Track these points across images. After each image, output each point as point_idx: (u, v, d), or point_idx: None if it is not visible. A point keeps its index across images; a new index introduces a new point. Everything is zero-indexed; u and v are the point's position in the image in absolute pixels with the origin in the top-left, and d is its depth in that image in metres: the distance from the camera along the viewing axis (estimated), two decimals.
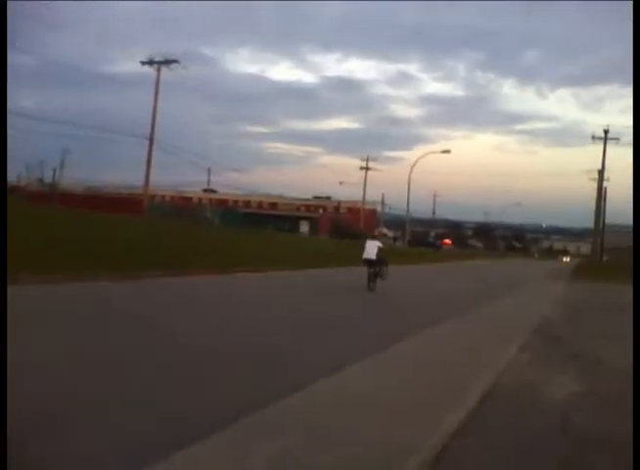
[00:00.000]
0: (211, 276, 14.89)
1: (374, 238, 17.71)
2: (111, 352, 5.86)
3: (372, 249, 15.98)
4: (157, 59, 40.97)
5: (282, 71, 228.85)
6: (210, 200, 72.95)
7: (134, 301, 10.10)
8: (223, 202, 78.44)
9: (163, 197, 75.58)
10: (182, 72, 41.99)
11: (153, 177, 42.55)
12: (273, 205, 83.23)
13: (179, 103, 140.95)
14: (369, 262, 15.94)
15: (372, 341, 7.69)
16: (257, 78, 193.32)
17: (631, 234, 71.12)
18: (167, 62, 41.04)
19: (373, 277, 15.84)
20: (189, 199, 79.67)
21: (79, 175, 67.53)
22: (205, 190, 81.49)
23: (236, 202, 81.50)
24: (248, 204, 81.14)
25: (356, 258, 28.04)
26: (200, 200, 79.42)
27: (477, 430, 4.33)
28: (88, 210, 32.60)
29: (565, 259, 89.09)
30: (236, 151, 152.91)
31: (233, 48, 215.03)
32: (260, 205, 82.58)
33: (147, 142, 40.09)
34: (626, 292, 22.30)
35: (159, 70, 40.68)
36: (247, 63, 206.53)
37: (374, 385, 5.30)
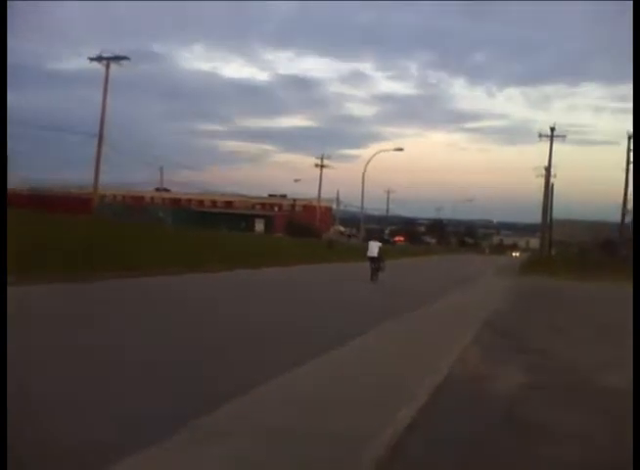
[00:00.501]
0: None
1: (375, 239, 20.64)
2: None
3: (374, 248, 19.05)
4: (106, 55, 40.02)
5: (235, 69, 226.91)
6: (163, 199, 71.75)
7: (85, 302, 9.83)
8: (176, 201, 77.27)
9: (114, 196, 73.86)
10: (133, 69, 41.24)
11: (103, 176, 41.48)
12: (228, 203, 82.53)
13: (130, 100, 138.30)
14: (372, 259, 18.86)
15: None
16: (210, 76, 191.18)
17: (577, 228, 72.85)
18: (117, 58, 40.09)
19: (375, 271, 18.63)
20: (140, 198, 78.17)
21: (25, 175, 65.11)
22: (158, 189, 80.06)
23: (189, 201, 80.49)
24: (201, 203, 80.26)
25: (319, 255, 28.39)
26: (152, 199, 78.03)
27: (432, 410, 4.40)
28: (33, 210, 31.47)
29: (514, 254, 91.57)
30: (189, 149, 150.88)
31: (185, 45, 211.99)
32: (215, 203, 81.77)
33: (96, 140, 39.13)
34: (572, 286, 23.12)
35: (107, 67, 39.72)
36: (199, 60, 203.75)
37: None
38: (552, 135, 51.03)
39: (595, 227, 68.21)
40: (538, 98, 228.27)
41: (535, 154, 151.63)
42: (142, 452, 3.34)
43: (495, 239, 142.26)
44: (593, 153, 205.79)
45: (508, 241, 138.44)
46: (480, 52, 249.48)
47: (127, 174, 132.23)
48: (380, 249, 19.24)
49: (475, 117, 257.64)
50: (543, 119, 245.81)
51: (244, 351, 6.79)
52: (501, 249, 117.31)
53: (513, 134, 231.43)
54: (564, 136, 51.95)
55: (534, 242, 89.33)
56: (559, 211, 61.80)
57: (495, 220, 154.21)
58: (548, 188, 52.86)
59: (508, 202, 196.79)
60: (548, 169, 52.23)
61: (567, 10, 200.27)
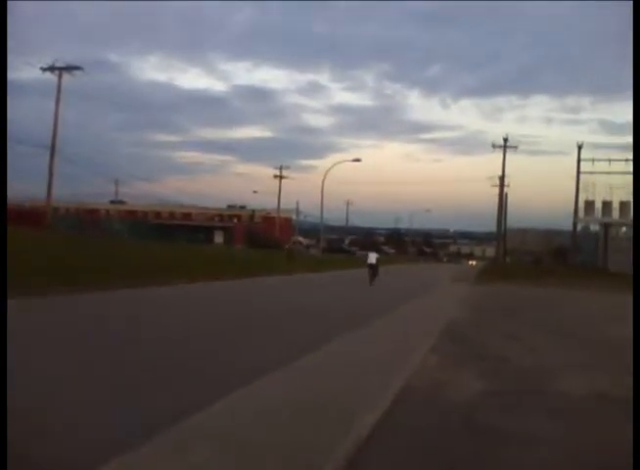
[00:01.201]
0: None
1: (373, 251, 26.22)
2: None
3: (372, 257, 24.00)
4: (58, 65, 39.32)
5: (192, 80, 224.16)
6: (119, 211, 70.46)
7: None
8: (132, 213, 76.01)
9: (68, 209, 72.06)
10: (87, 80, 40.60)
11: (56, 189, 40.68)
12: (186, 215, 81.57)
13: (84, 111, 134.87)
14: (370, 266, 23.56)
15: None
16: (166, 86, 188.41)
17: (531, 236, 74.56)
18: (70, 68, 39.47)
19: (372, 276, 23.08)
20: (96, 211, 76.53)
21: None
22: (113, 201, 78.65)
23: (146, 213, 79.23)
24: (159, 215, 79.10)
25: (281, 266, 28.72)
26: (107, 212, 76.52)
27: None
28: None
29: (470, 263, 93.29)
30: (146, 160, 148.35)
31: (140, 55, 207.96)
32: (172, 215, 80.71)
33: (48, 152, 38.28)
34: (525, 293, 23.69)
35: (60, 77, 39.05)
36: (155, 70, 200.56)
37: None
38: (505, 146, 52.43)
39: (548, 235, 70.21)
40: (491, 109, 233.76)
41: (489, 164, 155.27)
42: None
43: (452, 248, 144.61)
44: (545, 163, 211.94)
45: (465, 250, 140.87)
46: (434, 64, 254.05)
47: (81, 187, 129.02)
48: (377, 259, 24.02)
49: (430, 127, 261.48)
50: (496, 130, 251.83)
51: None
52: (459, 257, 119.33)
53: (467, 145, 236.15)
54: (516, 147, 53.44)
55: (490, 250, 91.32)
56: (513, 220, 63.49)
57: (452, 230, 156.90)
58: (502, 197, 54.17)
59: (464, 211, 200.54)
60: (502, 179, 53.57)
61: (517, 24, 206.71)
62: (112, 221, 60.01)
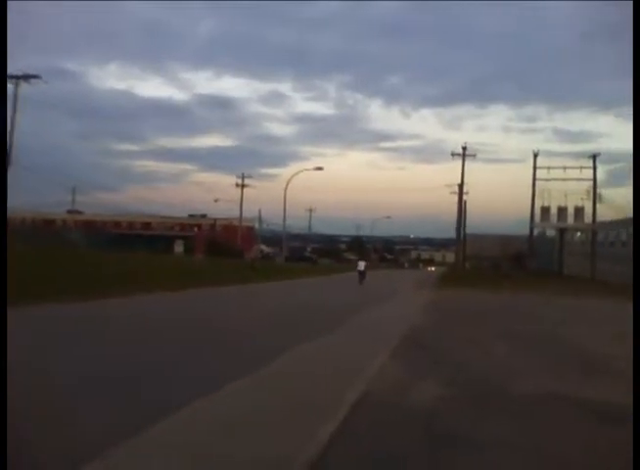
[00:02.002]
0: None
1: (363, 259, 34.60)
2: None
3: (362, 265, 31.31)
4: (15, 73, 38.41)
5: (152, 88, 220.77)
6: (75, 221, 68.91)
7: None
8: (90, 223, 74.50)
9: (24, 219, 70.23)
10: (45, 88, 39.69)
11: (12, 198, 39.53)
12: (146, 224, 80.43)
13: (40, 120, 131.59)
14: (360, 272, 30.68)
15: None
16: (126, 95, 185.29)
17: (489, 242, 75.50)
18: (27, 76, 38.60)
19: (361, 279, 30.03)
20: (52, 221, 74.71)
21: None
22: (70, 211, 77.03)
23: (104, 223, 77.78)
24: (118, 224, 77.79)
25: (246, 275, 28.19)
26: (64, 222, 74.82)
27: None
28: None
29: (430, 269, 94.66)
30: (104, 169, 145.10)
31: (98, 63, 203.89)
32: (132, 225, 79.46)
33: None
34: (483, 298, 24.20)
35: (17, 85, 38.14)
36: (114, 79, 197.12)
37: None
38: (464, 154, 53.39)
39: (505, 241, 71.75)
40: (451, 118, 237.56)
41: (449, 172, 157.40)
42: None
43: (413, 254, 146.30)
44: (502, 170, 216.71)
45: (425, 255, 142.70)
46: (394, 75, 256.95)
47: (37, 196, 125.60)
48: (365, 266, 31.21)
49: (392, 136, 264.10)
50: (456, 139, 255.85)
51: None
52: (419, 263, 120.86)
53: (428, 153, 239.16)
54: (474, 155, 54.43)
55: (450, 256, 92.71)
56: (472, 226, 64.61)
57: (412, 236, 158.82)
58: (461, 204, 55.16)
59: (424, 218, 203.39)
60: (461, 187, 54.55)
61: (474, 35, 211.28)
62: (68, 231, 58.67)
